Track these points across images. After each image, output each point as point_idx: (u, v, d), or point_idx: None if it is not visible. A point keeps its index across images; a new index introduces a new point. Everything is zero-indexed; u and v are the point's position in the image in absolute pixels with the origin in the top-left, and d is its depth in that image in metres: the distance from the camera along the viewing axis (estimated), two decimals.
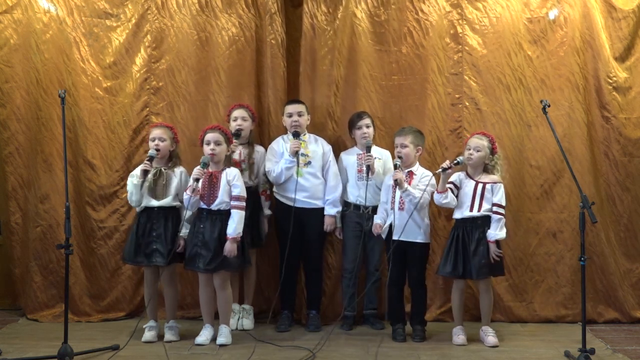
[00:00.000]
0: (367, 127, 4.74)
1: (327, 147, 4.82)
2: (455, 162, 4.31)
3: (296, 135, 4.67)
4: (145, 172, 4.34)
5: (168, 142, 4.45)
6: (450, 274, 4.37)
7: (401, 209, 4.40)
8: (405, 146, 4.44)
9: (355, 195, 4.74)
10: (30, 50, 4.94)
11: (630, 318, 4.95)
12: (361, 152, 4.73)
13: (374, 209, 4.67)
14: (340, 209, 4.76)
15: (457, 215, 4.42)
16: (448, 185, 4.36)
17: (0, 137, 4.99)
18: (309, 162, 4.73)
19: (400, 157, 4.44)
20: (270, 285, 4.99)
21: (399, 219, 4.38)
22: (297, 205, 4.67)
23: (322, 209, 4.75)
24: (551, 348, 4.28)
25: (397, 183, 4.32)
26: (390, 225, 4.42)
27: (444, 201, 4.36)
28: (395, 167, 4.38)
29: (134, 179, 4.38)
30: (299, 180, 4.67)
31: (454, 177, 4.42)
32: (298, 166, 4.63)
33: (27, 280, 5.00)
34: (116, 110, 5.03)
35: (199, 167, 4.27)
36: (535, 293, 4.97)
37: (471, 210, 4.36)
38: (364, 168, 4.62)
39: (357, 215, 4.75)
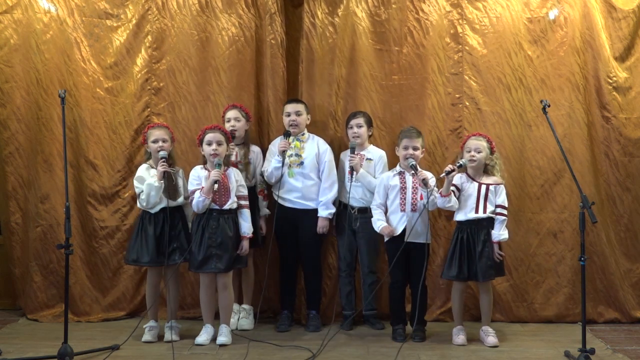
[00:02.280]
0: (359, 127, 4.73)
1: (324, 148, 4.78)
2: (458, 164, 4.32)
3: (287, 135, 4.67)
4: (164, 173, 4.33)
5: (169, 142, 4.47)
6: (455, 277, 4.35)
7: (413, 210, 4.40)
8: (417, 149, 4.43)
9: (345, 195, 4.74)
10: (31, 50, 4.94)
11: (630, 318, 4.94)
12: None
13: (360, 210, 4.68)
14: (333, 210, 4.73)
15: (460, 217, 4.40)
16: (451, 188, 4.36)
17: (0, 137, 4.99)
18: (302, 163, 4.71)
19: (413, 159, 4.41)
20: (270, 286, 4.99)
21: (411, 221, 4.37)
22: (290, 205, 4.69)
23: (315, 210, 4.73)
24: (551, 348, 4.28)
25: (424, 183, 4.31)
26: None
27: (448, 205, 4.36)
28: (414, 167, 4.35)
29: (153, 181, 4.32)
30: (291, 180, 4.68)
31: (456, 180, 4.41)
32: (283, 166, 4.62)
33: (27, 280, 5.00)
34: (117, 110, 5.04)
35: (215, 169, 4.27)
36: (536, 293, 4.96)
37: (476, 212, 4.36)
38: (349, 168, 4.64)
39: (345, 215, 4.75)
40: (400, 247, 4.35)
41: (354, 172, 4.62)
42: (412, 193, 4.41)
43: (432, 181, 4.44)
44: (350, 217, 4.71)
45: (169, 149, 4.45)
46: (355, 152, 4.66)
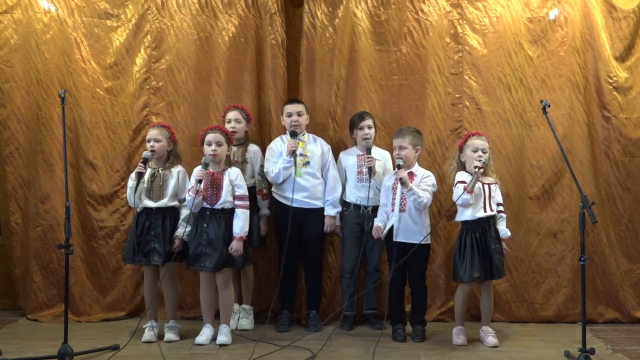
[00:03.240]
0: (369, 128, 4.73)
1: (326, 147, 4.82)
2: (484, 162, 4.30)
3: (293, 135, 4.66)
4: (139, 175, 4.34)
5: (164, 142, 4.46)
6: (478, 278, 4.30)
7: (402, 210, 4.39)
8: (404, 148, 4.41)
9: (356, 195, 4.73)
10: (31, 50, 4.94)
11: (630, 318, 4.94)
12: (361, 153, 4.72)
13: (374, 209, 4.66)
14: (339, 209, 4.75)
15: (470, 216, 4.34)
16: (463, 186, 4.32)
17: (0, 137, 4.99)
18: (308, 162, 4.72)
19: (400, 159, 4.42)
20: (270, 285, 5.00)
21: (400, 221, 4.38)
22: (297, 205, 4.65)
23: (322, 209, 4.75)
24: (551, 348, 4.28)
25: (401, 182, 4.31)
26: (392, 227, 4.40)
27: (472, 201, 4.31)
28: (398, 166, 4.34)
29: (130, 181, 4.39)
30: (298, 180, 4.67)
31: (467, 178, 4.34)
32: (295, 166, 4.63)
33: (27, 280, 5.00)
34: (117, 110, 5.04)
35: (200, 167, 4.28)
36: (536, 294, 4.96)
37: (485, 210, 4.35)
38: (365, 170, 4.62)
39: (357, 216, 4.73)
40: (395, 246, 4.36)
41: (372, 173, 4.58)
42: (402, 193, 4.40)
43: (430, 179, 4.43)
44: (363, 217, 4.70)
45: (163, 148, 4.46)
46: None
